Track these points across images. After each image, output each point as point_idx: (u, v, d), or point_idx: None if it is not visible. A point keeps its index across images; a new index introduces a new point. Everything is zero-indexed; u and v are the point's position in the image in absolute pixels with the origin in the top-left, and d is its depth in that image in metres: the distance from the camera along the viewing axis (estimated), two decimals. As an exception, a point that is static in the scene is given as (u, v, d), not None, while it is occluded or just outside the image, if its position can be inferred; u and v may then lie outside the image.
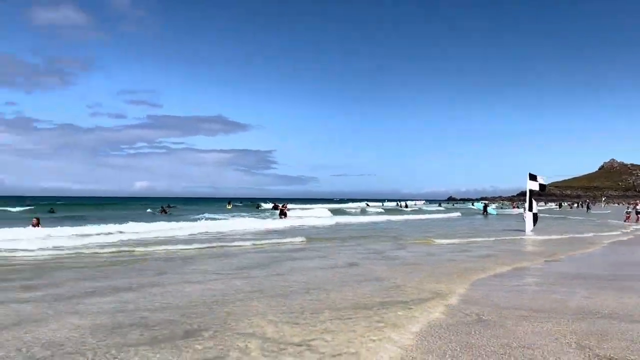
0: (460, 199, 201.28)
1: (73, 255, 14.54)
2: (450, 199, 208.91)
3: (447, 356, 5.17)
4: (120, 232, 21.19)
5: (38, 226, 19.83)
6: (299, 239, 19.69)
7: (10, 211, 51.03)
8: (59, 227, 21.72)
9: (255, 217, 39.03)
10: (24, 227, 21.11)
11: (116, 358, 5.09)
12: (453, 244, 19.26)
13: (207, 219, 35.52)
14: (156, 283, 9.79)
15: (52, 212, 50.69)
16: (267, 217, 40.10)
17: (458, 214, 56.23)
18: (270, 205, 63.73)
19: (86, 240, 17.33)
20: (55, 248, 15.53)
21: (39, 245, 15.69)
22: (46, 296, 8.41)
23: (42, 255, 14.21)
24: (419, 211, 68.46)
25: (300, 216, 40.41)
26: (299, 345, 5.51)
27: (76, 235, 18.95)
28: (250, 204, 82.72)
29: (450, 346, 5.51)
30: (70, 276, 10.68)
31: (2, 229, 19.32)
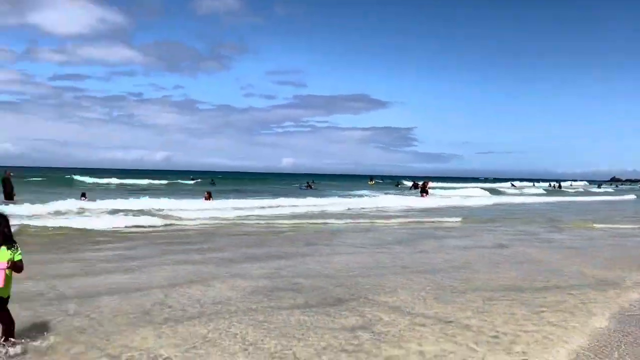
0: (626, 180, 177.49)
1: (234, 224, 15.99)
2: (614, 180, 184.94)
3: (622, 351, 4.68)
4: (274, 205, 22.65)
5: (209, 199, 22.25)
6: (454, 219, 19.05)
7: (184, 184, 57.50)
8: (223, 199, 24.10)
9: (398, 195, 38.97)
10: (196, 199, 23.89)
11: (274, 318, 5.50)
12: (617, 228, 17.24)
13: (352, 195, 36.38)
14: (307, 253, 10.36)
15: (213, 183, 56.90)
16: (410, 194, 39.71)
17: (632, 196, 49.55)
18: (410, 184, 62.81)
19: (245, 212, 18.84)
20: (220, 218, 17.17)
21: (208, 215, 17.47)
22: (213, 259, 9.40)
23: (210, 224, 15.85)
24: (583, 193, 61.86)
25: (448, 195, 39.29)
26: (450, 322, 5.41)
27: (237, 207, 20.72)
28: (390, 182, 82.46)
29: (624, 340, 4.98)
30: (231, 242, 11.78)
31: (181, 200, 22.19)
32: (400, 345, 4.65)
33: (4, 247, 4.19)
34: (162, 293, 6.54)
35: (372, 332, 5.02)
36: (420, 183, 43.10)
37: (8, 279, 4.17)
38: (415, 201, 30.01)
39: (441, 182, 77.68)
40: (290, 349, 4.53)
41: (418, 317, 5.58)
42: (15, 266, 4.21)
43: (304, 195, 32.11)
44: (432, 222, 18.31)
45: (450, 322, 5.41)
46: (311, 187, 50.64)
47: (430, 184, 43.90)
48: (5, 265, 4.10)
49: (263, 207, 21.20)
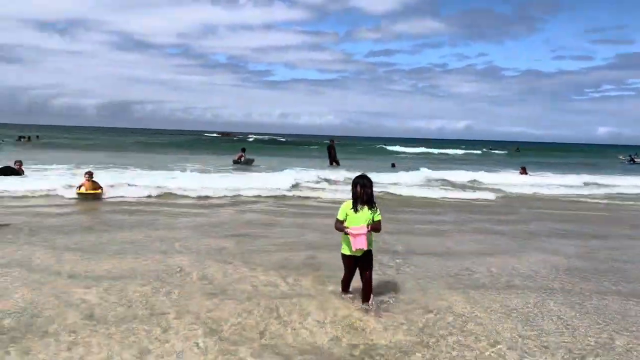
0: None
1: (547, 199, 14.95)
2: None
3: None
4: (591, 182, 20.09)
5: (525, 173, 21.81)
6: None
7: (497, 154, 55.40)
8: (538, 174, 23.04)
9: None
10: (508, 171, 23.82)
11: (593, 302, 5.14)
12: None
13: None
14: (632, 236, 9.16)
15: (518, 150, 55.24)
16: None
17: None
18: None
19: (560, 190, 17.14)
20: (534, 193, 16.24)
21: (519, 190, 16.58)
22: (519, 232, 9.18)
23: (519, 198, 15.00)
24: None
25: None
26: None
27: (552, 184, 19.00)
28: None
29: None
30: (540, 216, 11.17)
31: (495, 173, 22.39)
32: None
33: (366, 207, 4.54)
34: (469, 259, 6.82)
35: None
36: None
37: (369, 241, 4.58)
38: None
39: None
40: (613, 338, 4.21)
41: None
42: (375, 227, 4.57)
43: (629, 172, 27.70)
44: None
45: None
46: (635, 162, 43.04)
47: None
48: (366, 229, 4.45)
49: (581, 186, 18.98)
